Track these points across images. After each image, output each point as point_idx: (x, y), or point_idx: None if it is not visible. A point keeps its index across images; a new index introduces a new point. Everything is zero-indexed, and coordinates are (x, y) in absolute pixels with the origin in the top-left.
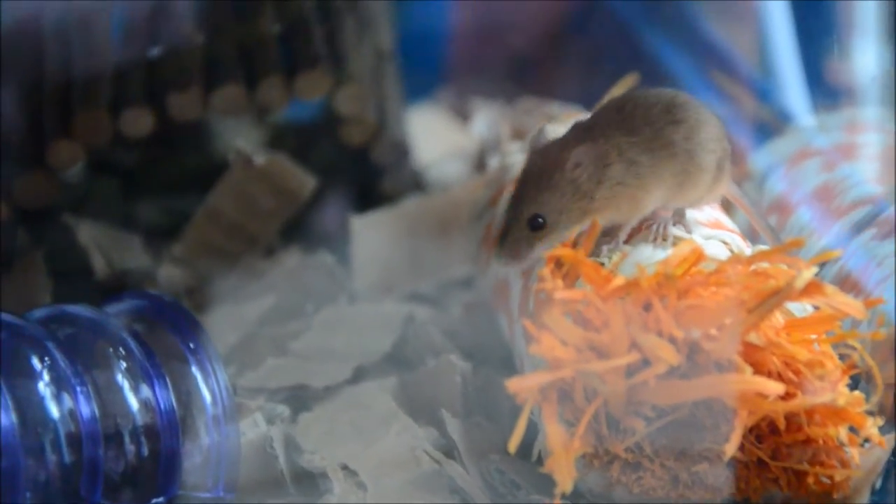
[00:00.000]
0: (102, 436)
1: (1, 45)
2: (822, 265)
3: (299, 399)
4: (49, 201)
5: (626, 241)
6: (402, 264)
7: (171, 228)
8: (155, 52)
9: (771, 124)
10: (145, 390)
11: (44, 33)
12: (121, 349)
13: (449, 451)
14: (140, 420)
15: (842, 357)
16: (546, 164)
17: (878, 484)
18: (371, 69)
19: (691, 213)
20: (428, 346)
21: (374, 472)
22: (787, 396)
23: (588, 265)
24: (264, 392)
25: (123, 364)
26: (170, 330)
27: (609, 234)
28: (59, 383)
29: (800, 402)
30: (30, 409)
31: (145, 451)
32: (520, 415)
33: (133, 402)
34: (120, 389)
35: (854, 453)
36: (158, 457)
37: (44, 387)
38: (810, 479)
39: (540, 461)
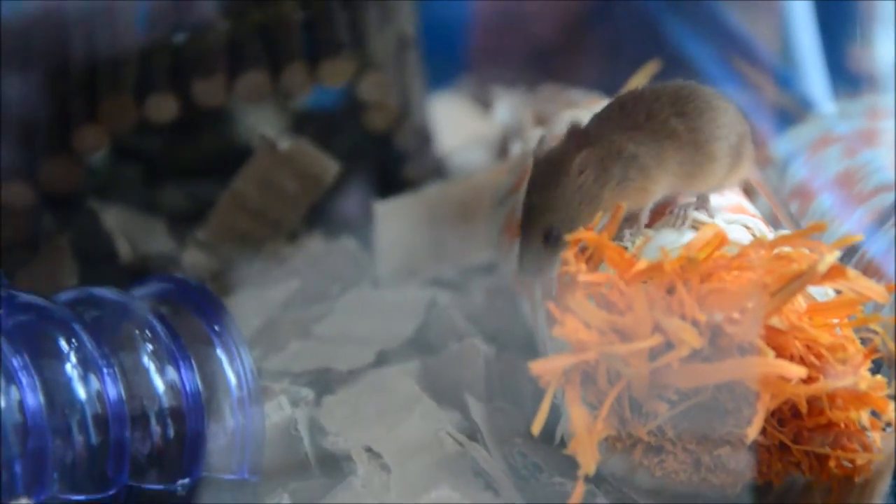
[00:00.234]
0: (129, 417)
1: (24, 34)
2: (848, 252)
3: (323, 382)
4: (74, 186)
5: (649, 226)
6: (425, 250)
7: (195, 213)
8: (179, 38)
9: (792, 111)
10: (171, 372)
11: (69, 20)
12: (147, 332)
13: (472, 435)
14: (166, 402)
15: (864, 341)
16: (550, 175)
17: None
18: (393, 56)
19: (714, 198)
20: (451, 330)
21: (398, 454)
22: (809, 380)
23: (612, 249)
24: (288, 375)
25: (149, 346)
26: (195, 313)
27: (629, 218)
28: (85, 365)
29: (822, 385)
30: (57, 390)
31: (171, 432)
32: (543, 398)
33: (159, 384)
34: (146, 371)
35: (876, 437)
36: (184, 438)
37: (71, 368)
38: (832, 463)
39: (563, 444)
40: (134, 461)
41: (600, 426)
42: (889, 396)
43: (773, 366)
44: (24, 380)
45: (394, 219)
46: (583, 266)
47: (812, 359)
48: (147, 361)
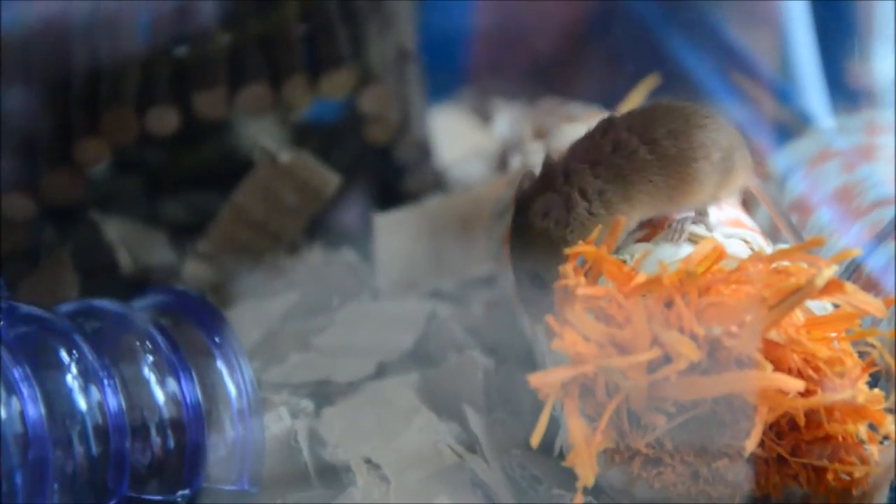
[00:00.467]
0: (129, 428)
1: (25, 46)
2: (849, 267)
3: (323, 394)
4: (76, 198)
5: (648, 240)
6: (425, 262)
7: (196, 225)
8: (181, 50)
9: (791, 126)
10: (171, 384)
11: (71, 32)
12: (147, 343)
13: (471, 446)
14: (166, 413)
15: (861, 355)
16: (520, 219)
17: None
18: (394, 69)
19: (712, 212)
20: (450, 342)
21: (397, 465)
22: (806, 393)
23: (610, 262)
24: (288, 387)
25: (150, 358)
26: (195, 325)
27: None
28: (86, 376)
29: (819, 399)
30: (58, 401)
31: (171, 443)
32: (542, 410)
33: (159, 396)
34: (146, 383)
35: (873, 450)
36: (184, 449)
37: (72, 379)
38: (830, 476)
39: (561, 456)
40: (134, 472)
41: (599, 438)
42: (886, 410)
43: (771, 379)
44: (26, 391)
45: (394, 231)
46: (581, 279)
47: (810, 372)
48: (147, 373)
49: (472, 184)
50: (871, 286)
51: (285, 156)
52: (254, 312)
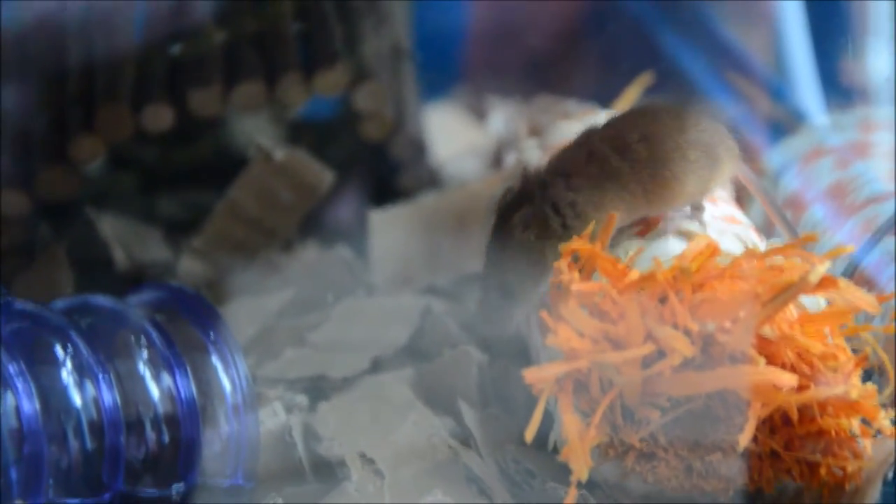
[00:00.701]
0: (124, 423)
1: (21, 43)
2: (848, 269)
3: (318, 389)
4: (71, 195)
5: (642, 234)
6: (420, 258)
7: (191, 222)
8: (175, 48)
9: (785, 123)
10: (166, 379)
11: (66, 29)
12: (142, 339)
13: (465, 441)
14: (161, 408)
15: (854, 350)
16: (499, 231)
17: (891, 475)
18: (388, 66)
19: (706, 209)
20: (445, 337)
21: (392, 460)
22: (800, 388)
23: (604, 259)
24: (283, 382)
25: (145, 353)
26: (190, 321)
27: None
28: (81, 371)
29: (813, 393)
30: (53, 396)
31: (166, 438)
32: (536, 405)
33: (154, 391)
34: (141, 378)
35: (866, 444)
36: (179, 444)
37: (67, 375)
38: (823, 470)
39: (555, 451)
40: (129, 467)
41: (593, 433)
42: (879, 404)
43: (764, 374)
44: (21, 386)
45: (388, 228)
46: (576, 275)
47: (803, 367)
48: (142, 368)
49: (466, 181)
50: (863, 282)
51: (280, 153)
52: (249, 308)
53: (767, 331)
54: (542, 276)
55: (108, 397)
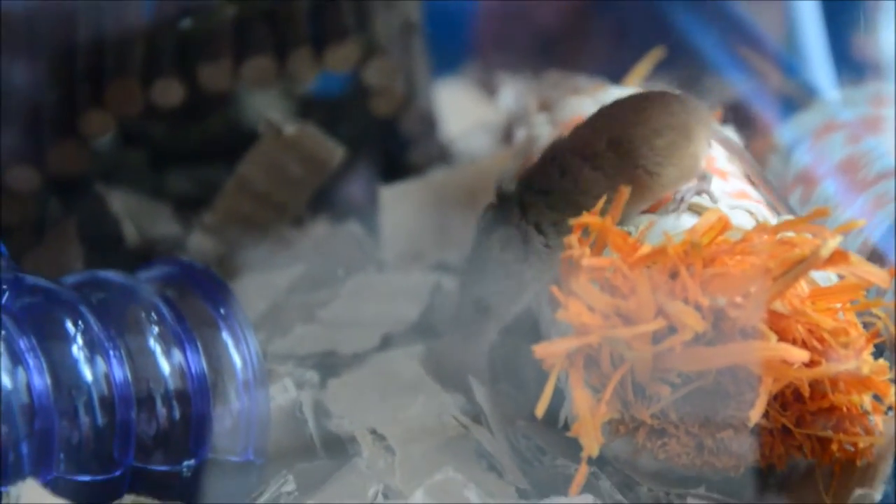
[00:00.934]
0: (134, 399)
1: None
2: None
3: (328, 365)
4: (81, 170)
5: (653, 211)
6: (430, 234)
7: (201, 197)
8: (186, 23)
9: (797, 98)
10: (177, 355)
11: (76, 4)
12: (153, 314)
13: (476, 417)
14: (172, 384)
15: (866, 326)
16: (479, 248)
17: None
18: (399, 42)
19: (717, 184)
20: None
21: (402, 437)
22: (811, 364)
23: (615, 233)
24: (293, 358)
25: (155, 329)
26: (201, 296)
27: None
28: (92, 347)
29: (824, 369)
30: (63, 371)
31: (177, 414)
32: (546, 381)
33: (165, 367)
34: (152, 354)
35: (878, 421)
36: (189, 420)
37: (77, 350)
38: (834, 447)
39: (566, 427)
40: (139, 442)
41: (603, 409)
42: (891, 380)
43: (775, 350)
44: (31, 361)
45: (399, 204)
46: (586, 250)
47: (814, 343)
48: (153, 344)
49: (477, 156)
50: (875, 257)
51: (290, 128)
52: (259, 284)
53: (778, 306)
54: (520, 294)
55: (119, 373)
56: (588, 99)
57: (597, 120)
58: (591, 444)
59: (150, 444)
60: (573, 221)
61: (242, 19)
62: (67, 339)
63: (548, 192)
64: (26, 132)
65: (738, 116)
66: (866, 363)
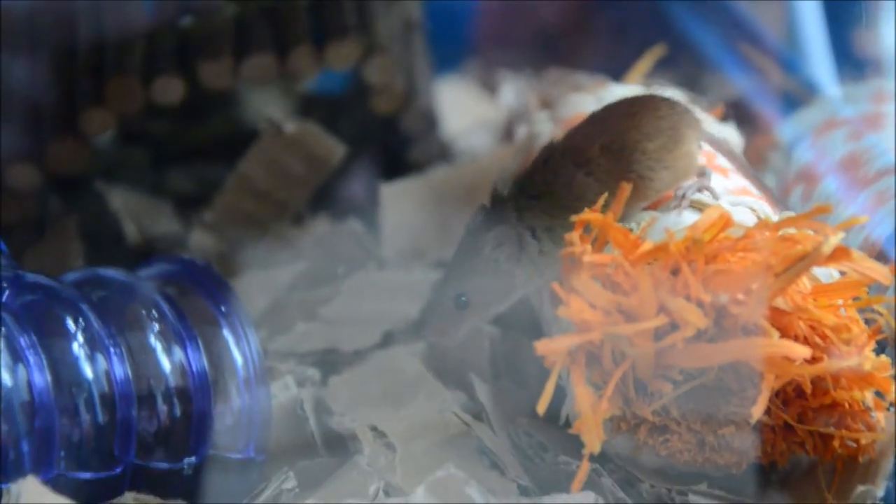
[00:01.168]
0: (135, 396)
1: (31, 16)
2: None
3: (329, 363)
4: (81, 168)
5: (654, 208)
6: (431, 232)
7: (202, 195)
8: (186, 20)
9: (798, 95)
10: (178, 352)
11: (77, 1)
12: (153, 312)
13: (477, 414)
14: (172, 381)
15: (868, 322)
16: (471, 243)
17: None
18: (400, 39)
19: (719, 181)
20: None
21: (403, 434)
22: (813, 360)
23: (617, 230)
24: (294, 356)
25: (156, 326)
26: (201, 294)
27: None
28: (92, 344)
29: (826, 366)
30: (64, 369)
31: (177, 412)
32: (548, 378)
33: (166, 364)
34: (153, 351)
35: (880, 417)
36: (190, 418)
37: (78, 348)
38: (836, 443)
39: (568, 424)
40: (140, 440)
41: (605, 406)
42: (892, 377)
43: (777, 346)
44: (32, 359)
45: (400, 201)
46: (588, 247)
47: (816, 339)
48: (154, 341)
49: (477, 154)
50: (877, 254)
51: (291, 126)
52: (260, 282)
53: (780, 302)
54: (506, 295)
55: (120, 370)
56: (589, 96)
57: (588, 126)
58: (593, 440)
59: (150, 442)
60: (575, 218)
61: (243, 17)
62: (68, 337)
63: (542, 197)
64: (27, 130)
65: (739, 113)
66: (868, 359)
